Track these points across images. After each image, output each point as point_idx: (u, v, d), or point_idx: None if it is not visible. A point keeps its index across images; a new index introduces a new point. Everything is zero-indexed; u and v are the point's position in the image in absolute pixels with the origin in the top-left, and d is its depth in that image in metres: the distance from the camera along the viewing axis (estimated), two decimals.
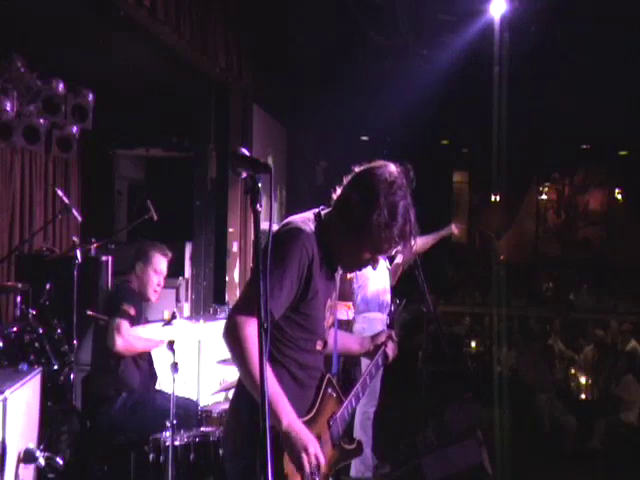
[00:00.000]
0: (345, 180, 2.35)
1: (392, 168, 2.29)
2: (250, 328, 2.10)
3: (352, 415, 2.56)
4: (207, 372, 4.82)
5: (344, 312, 6.11)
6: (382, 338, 2.77)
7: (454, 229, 5.87)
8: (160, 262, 4.37)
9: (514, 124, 8.87)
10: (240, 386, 2.39)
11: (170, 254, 4.46)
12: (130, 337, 4.11)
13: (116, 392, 4.16)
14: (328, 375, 2.47)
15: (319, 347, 2.40)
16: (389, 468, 5.50)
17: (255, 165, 1.88)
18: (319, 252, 2.26)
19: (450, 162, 16.47)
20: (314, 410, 2.35)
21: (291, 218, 2.34)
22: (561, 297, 14.58)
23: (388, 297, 5.43)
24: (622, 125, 10.95)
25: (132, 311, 4.14)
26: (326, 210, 2.37)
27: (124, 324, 4.10)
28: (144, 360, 4.35)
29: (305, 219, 2.31)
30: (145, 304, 4.53)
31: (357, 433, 5.26)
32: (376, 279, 5.38)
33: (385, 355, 2.74)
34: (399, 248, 2.33)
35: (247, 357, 2.10)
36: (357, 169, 2.34)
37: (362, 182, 2.27)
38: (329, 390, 2.46)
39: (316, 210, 2.38)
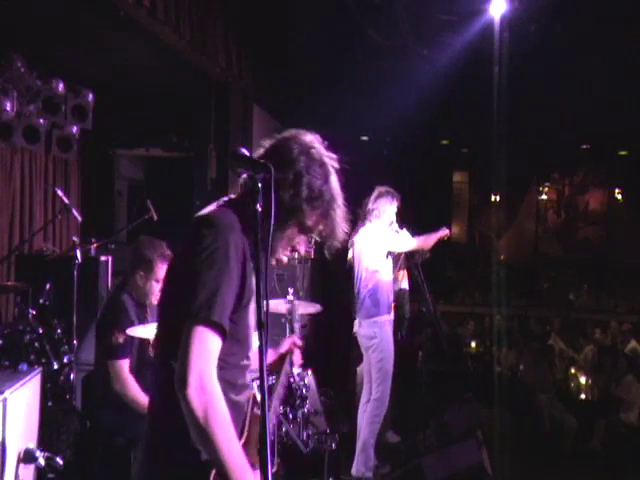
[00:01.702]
0: (255, 156, 2.04)
1: (308, 137, 2.09)
2: (215, 392, 1.80)
3: (274, 433, 2.40)
4: None
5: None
6: (286, 346, 2.57)
7: (444, 232, 5.67)
8: (163, 270, 4.03)
9: (514, 124, 8.86)
10: (160, 423, 1.97)
11: (169, 253, 4.34)
12: (128, 382, 3.95)
13: (113, 399, 4.13)
14: (253, 392, 2.17)
15: (247, 362, 2.09)
16: (389, 468, 5.50)
17: (255, 165, 1.87)
18: (247, 245, 1.95)
19: (450, 162, 16.46)
20: (245, 434, 2.04)
21: (210, 213, 2.04)
22: (561, 297, 14.57)
23: (392, 297, 5.43)
24: (622, 125, 10.94)
25: (121, 338, 3.93)
26: (234, 197, 2.11)
27: (122, 368, 3.95)
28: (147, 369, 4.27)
29: (224, 211, 2.02)
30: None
31: (363, 434, 5.26)
32: (386, 280, 5.36)
33: (291, 363, 2.56)
34: (326, 226, 2.07)
35: (221, 439, 1.78)
36: (267, 143, 2.11)
37: (280, 158, 2.01)
38: (255, 409, 2.14)
39: (223, 200, 2.10)
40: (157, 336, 2.07)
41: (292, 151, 2.04)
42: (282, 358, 2.56)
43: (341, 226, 2.09)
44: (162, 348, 2.01)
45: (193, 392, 1.75)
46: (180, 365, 1.79)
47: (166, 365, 1.90)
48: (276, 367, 2.55)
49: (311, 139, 2.10)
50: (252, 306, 1.99)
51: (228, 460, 1.79)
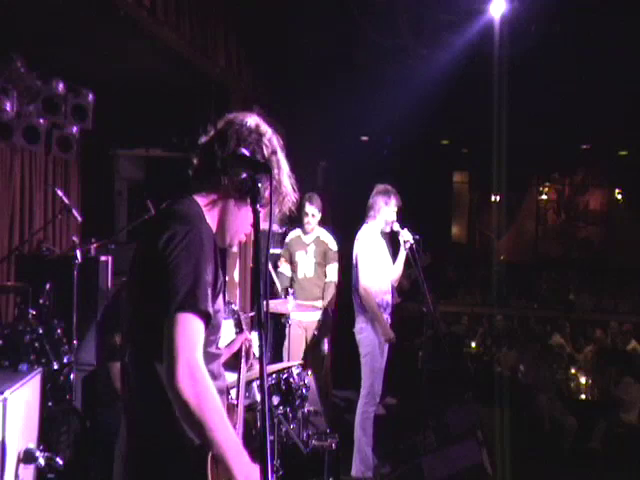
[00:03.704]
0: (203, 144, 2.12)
1: (251, 120, 2.08)
2: (206, 380, 1.80)
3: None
4: None
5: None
6: (237, 344, 2.59)
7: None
8: None
9: (514, 124, 8.87)
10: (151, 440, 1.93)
11: None
12: None
13: (115, 398, 4.13)
14: (227, 382, 2.17)
15: (219, 351, 2.08)
16: (389, 468, 5.50)
17: (255, 165, 1.87)
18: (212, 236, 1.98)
19: (450, 162, 16.48)
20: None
21: (176, 207, 1.97)
22: (561, 297, 14.59)
23: (389, 297, 5.41)
24: (622, 125, 10.95)
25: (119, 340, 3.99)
26: (202, 194, 2.04)
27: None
28: None
29: (188, 204, 2.00)
30: None
31: (357, 433, 5.25)
32: (383, 280, 5.34)
33: (247, 358, 2.60)
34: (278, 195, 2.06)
35: (217, 425, 1.79)
36: (206, 139, 2.15)
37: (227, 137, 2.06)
38: (229, 399, 2.22)
39: (187, 198, 2.02)
40: (129, 334, 2.00)
41: (245, 137, 2.02)
42: (235, 356, 2.57)
43: (291, 195, 2.07)
44: (140, 347, 1.94)
45: (184, 384, 1.75)
46: (168, 358, 1.77)
47: (148, 364, 1.88)
48: (231, 364, 2.55)
49: (256, 122, 2.08)
50: (221, 296, 2.00)
51: (224, 444, 1.79)
